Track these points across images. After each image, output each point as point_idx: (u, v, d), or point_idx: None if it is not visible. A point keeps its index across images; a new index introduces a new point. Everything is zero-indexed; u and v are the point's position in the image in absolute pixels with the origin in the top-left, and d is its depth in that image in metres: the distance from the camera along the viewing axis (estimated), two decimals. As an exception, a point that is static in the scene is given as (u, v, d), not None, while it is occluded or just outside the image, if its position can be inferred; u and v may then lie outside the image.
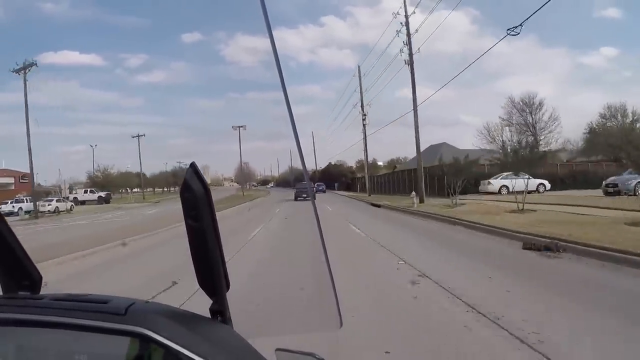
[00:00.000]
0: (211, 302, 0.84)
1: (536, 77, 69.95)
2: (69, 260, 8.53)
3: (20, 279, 0.92)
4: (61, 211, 33.05)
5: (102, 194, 48.32)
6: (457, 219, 12.76)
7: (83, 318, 0.74)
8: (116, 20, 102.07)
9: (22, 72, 29.26)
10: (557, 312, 4.14)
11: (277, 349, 0.91)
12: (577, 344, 3.37)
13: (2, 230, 0.88)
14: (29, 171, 30.90)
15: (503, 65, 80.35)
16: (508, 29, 13.55)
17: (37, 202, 29.90)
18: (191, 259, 0.80)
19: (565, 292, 4.87)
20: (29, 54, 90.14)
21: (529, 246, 7.83)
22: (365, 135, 37.91)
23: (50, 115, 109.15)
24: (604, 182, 19.42)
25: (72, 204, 38.00)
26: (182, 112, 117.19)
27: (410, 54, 23.25)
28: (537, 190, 23.44)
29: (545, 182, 25.22)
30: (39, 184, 57.49)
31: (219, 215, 0.79)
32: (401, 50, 23.80)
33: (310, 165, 66.63)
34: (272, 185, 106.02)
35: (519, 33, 13.69)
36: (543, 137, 37.58)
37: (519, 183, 17.24)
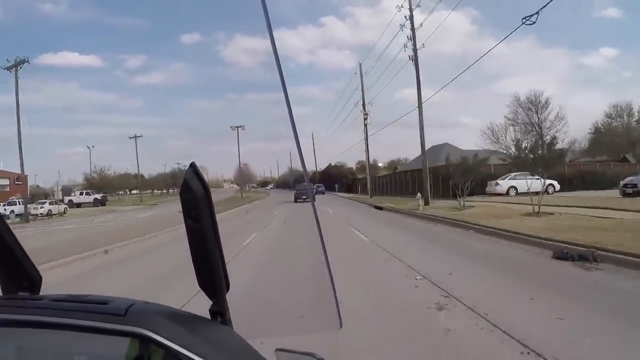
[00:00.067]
0: (211, 303, 0.83)
1: (536, 77, 69.56)
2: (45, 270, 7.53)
3: (20, 280, 0.91)
4: (54, 214, 32.24)
5: (98, 196, 47.24)
6: (471, 223, 11.77)
7: (83, 319, 0.74)
8: (115, 21, 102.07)
9: (14, 69, 28.56)
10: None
11: (277, 349, 0.91)
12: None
13: (1, 231, 0.87)
14: (24, 173, 30.18)
15: (502, 66, 79.98)
16: (523, 18, 12.60)
17: (27, 205, 28.90)
18: (191, 260, 0.79)
19: (631, 316, 3.91)
20: (28, 55, 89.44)
21: (561, 255, 6.86)
22: (366, 134, 36.94)
23: (50, 117, 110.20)
24: (621, 183, 18.47)
25: (66, 206, 37.21)
26: (182, 113, 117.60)
27: (415, 49, 22.32)
28: (546, 192, 22.47)
29: (555, 182, 24.20)
30: (37, 186, 56.91)
31: None
32: (405, 45, 22.91)
33: (310, 167, 66.09)
34: (272, 186, 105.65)
35: (535, 22, 12.75)
36: (548, 136, 36.83)
37: (529, 184, 16.23)
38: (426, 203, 19.85)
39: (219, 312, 0.83)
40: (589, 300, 4.61)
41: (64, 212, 34.27)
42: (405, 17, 22.80)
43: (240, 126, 53.04)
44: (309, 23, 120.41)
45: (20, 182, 36.32)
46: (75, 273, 7.81)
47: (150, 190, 78.56)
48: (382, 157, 73.29)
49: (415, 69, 22.32)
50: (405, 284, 5.58)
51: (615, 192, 19.47)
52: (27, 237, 14.74)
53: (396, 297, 5.04)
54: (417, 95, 22.11)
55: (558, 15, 64.35)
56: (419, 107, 22.24)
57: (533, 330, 3.58)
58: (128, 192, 57.99)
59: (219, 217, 0.82)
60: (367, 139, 37.08)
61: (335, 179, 61.78)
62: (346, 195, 44.68)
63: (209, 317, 0.83)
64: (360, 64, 37.20)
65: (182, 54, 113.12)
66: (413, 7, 22.47)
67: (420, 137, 22.31)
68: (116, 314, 0.73)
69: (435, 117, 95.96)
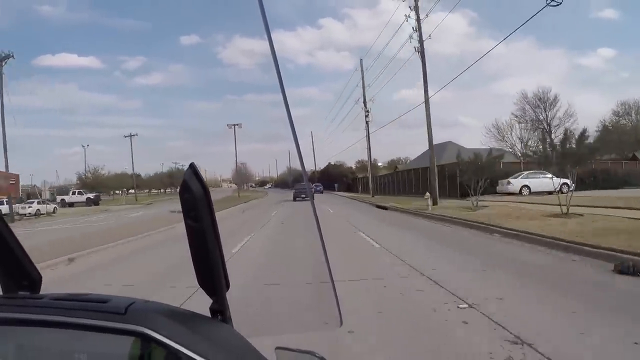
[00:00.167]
0: (211, 301, 0.83)
1: (535, 78, 68.88)
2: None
3: (20, 279, 0.91)
4: (42, 214, 30.91)
5: (91, 195, 45.89)
6: (493, 225, 10.46)
7: (83, 317, 0.74)
8: (114, 22, 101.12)
9: (-1, 65, 27.61)
10: None
11: (277, 348, 0.89)
12: None
13: (1, 230, 0.87)
14: (11, 172, 29.09)
15: (502, 67, 79.18)
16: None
17: (12, 205, 27.66)
18: (191, 259, 0.78)
19: None
20: (27, 57, 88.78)
21: (623, 269, 5.53)
22: (368, 131, 35.62)
23: (49, 118, 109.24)
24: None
25: (55, 206, 36.07)
26: (180, 114, 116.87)
27: (421, 40, 21.00)
28: (560, 191, 21.34)
29: (569, 181, 22.93)
30: (34, 186, 55.65)
31: None
32: (410, 37, 21.57)
33: (309, 166, 64.87)
34: (270, 186, 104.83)
35: (561, 3, 11.49)
36: (556, 135, 35.62)
37: (544, 183, 15.02)
38: (434, 203, 18.58)
39: (219, 311, 0.82)
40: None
41: (54, 212, 33.02)
42: (410, 7, 21.54)
43: (237, 124, 51.91)
44: (307, 25, 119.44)
45: (14, 182, 35.18)
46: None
47: (147, 190, 77.44)
48: (382, 156, 72.07)
49: (422, 61, 21.01)
50: (446, 316, 4.13)
51: (630, 192, 18.51)
52: None
53: (440, 341, 3.64)
54: (423, 89, 20.82)
55: (556, 16, 63.50)
56: (425, 101, 20.97)
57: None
58: (125, 192, 56.70)
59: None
60: (368, 137, 35.78)
61: (335, 179, 60.66)
62: (346, 194, 43.29)
63: (209, 315, 0.82)
64: (361, 60, 35.88)
65: (181, 56, 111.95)
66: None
67: (428, 133, 21.10)
68: (116, 313, 0.73)
69: (435, 116, 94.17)
